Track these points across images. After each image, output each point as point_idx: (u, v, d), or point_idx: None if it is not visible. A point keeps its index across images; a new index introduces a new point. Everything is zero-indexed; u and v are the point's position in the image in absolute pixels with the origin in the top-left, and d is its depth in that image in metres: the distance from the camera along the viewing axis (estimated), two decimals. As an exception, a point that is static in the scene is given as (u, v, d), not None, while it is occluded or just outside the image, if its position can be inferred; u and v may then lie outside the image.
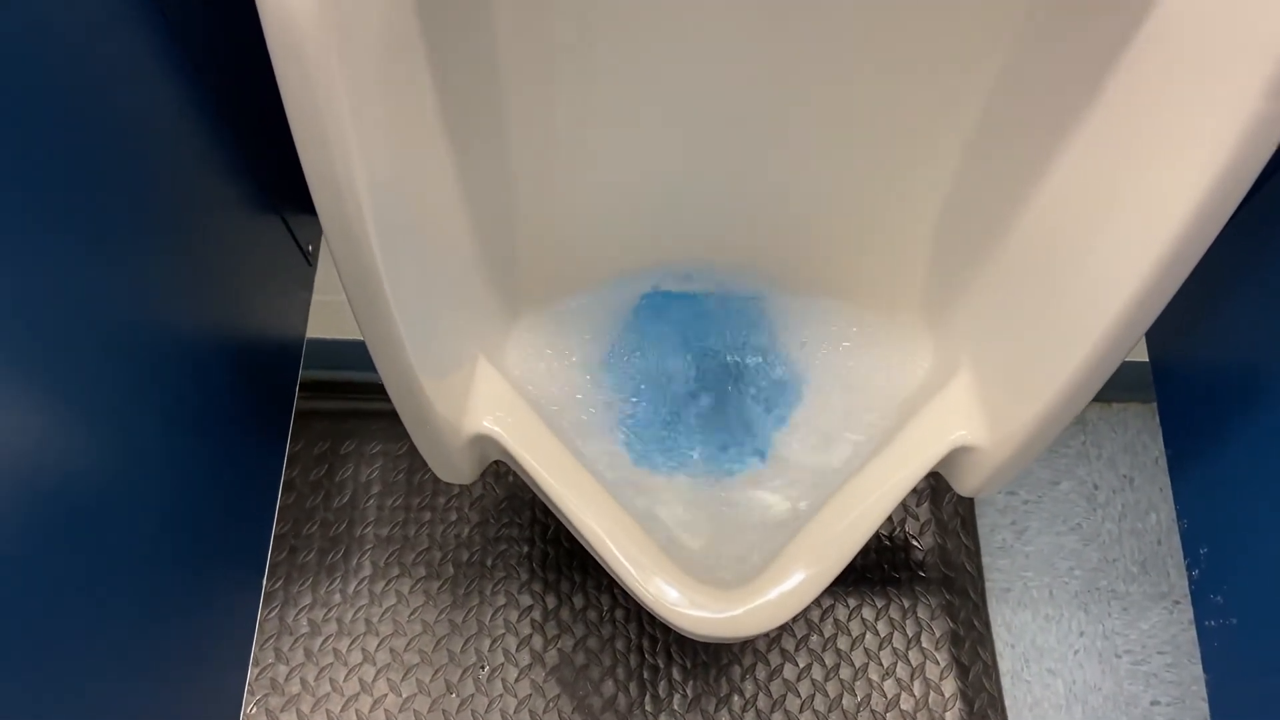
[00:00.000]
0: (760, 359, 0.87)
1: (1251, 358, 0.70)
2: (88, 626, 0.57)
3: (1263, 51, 0.44)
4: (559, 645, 1.06)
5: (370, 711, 1.03)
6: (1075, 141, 0.61)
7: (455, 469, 0.75)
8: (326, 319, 0.98)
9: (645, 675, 1.04)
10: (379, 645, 1.06)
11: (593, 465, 0.74)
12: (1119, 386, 1.07)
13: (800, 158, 0.75)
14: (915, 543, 1.11)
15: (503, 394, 0.74)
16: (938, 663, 1.05)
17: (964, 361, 0.75)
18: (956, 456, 0.73)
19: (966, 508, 1.13)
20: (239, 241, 0.75)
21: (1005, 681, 1.05)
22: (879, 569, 1.09)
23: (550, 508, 0.73)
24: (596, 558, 0.71)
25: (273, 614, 1.07)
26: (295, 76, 0.44)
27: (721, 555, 0.76)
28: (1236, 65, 0.46)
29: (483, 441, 0.74)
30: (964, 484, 0.75)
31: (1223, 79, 0.47)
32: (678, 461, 0.82)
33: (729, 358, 0.87)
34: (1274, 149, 0.46)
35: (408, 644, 1.06)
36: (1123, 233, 0.56)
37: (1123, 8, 0.54)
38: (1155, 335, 0.84)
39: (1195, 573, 0.72)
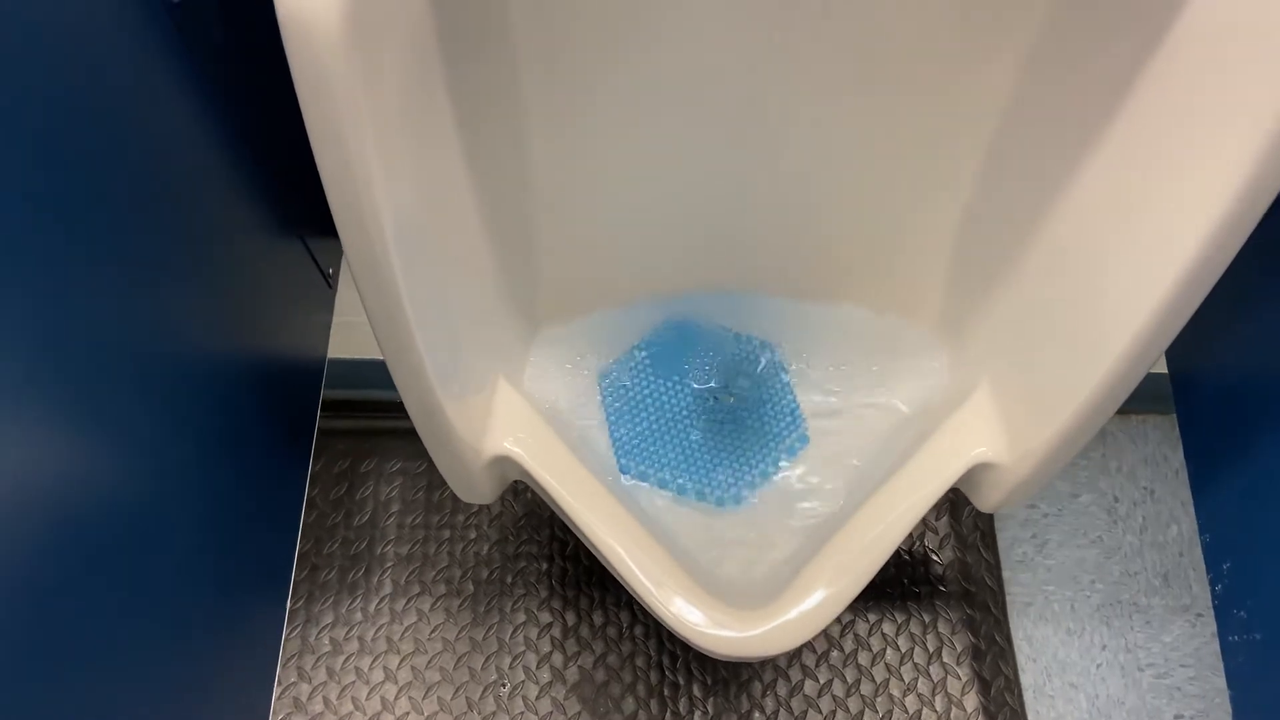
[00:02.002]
0: (776, 376, 0.87)
1: (1273, 370, 0.70)
2: (116, 648, 0.57)
3: (1277, 76, 0.44)
4: (579, 662, 1.06)
5: (392, 730, 1.03)
6: (1095, 157, 0.61)
7: (476, 489, 0.75)
8: (347, 339, 0.99)
9: (666, 692, 1.04)
10: (400, 663, 1.06)
11: (609, 484, 0.74)
12: (1139, 398, 1.06)
13: (819, 175, 0.76)
14: (935, 557, 1.10)
15: (523, 415, 0.74)
16: (959, 678, 1.05)
17: (983, 377, 0.75)
18: (976, 473, 0.73)
19: (986, 521, 1.12)
20: (260, 266, 0.76)
21: (1027, 696, 1.05)
22: (899, 583, 1.09)
23: (571, 528, 0.74)
24: (617, 577, 0.72)
25: (295, 633, 1.07)
26: (320, 108, 0.45)
27: (739, 573, 0.76)
28: (1253, 87, 0.46)
29: (503, 462, 0.74)
30: (984, 500, 0.75)
31: (1239, 100, 0.47)
32: (638, 471, 0.82)
33: (745, 377, 0.87)
34: (1292, 170, 0.46)
35: (429, 662, 1.06)
36: (1143, 250, 0.56)
37: (1140, 27, 0.54)
38: (1175, 348, 0.84)
39: (1218, 588, 0.72)
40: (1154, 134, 0.55)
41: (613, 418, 0.84)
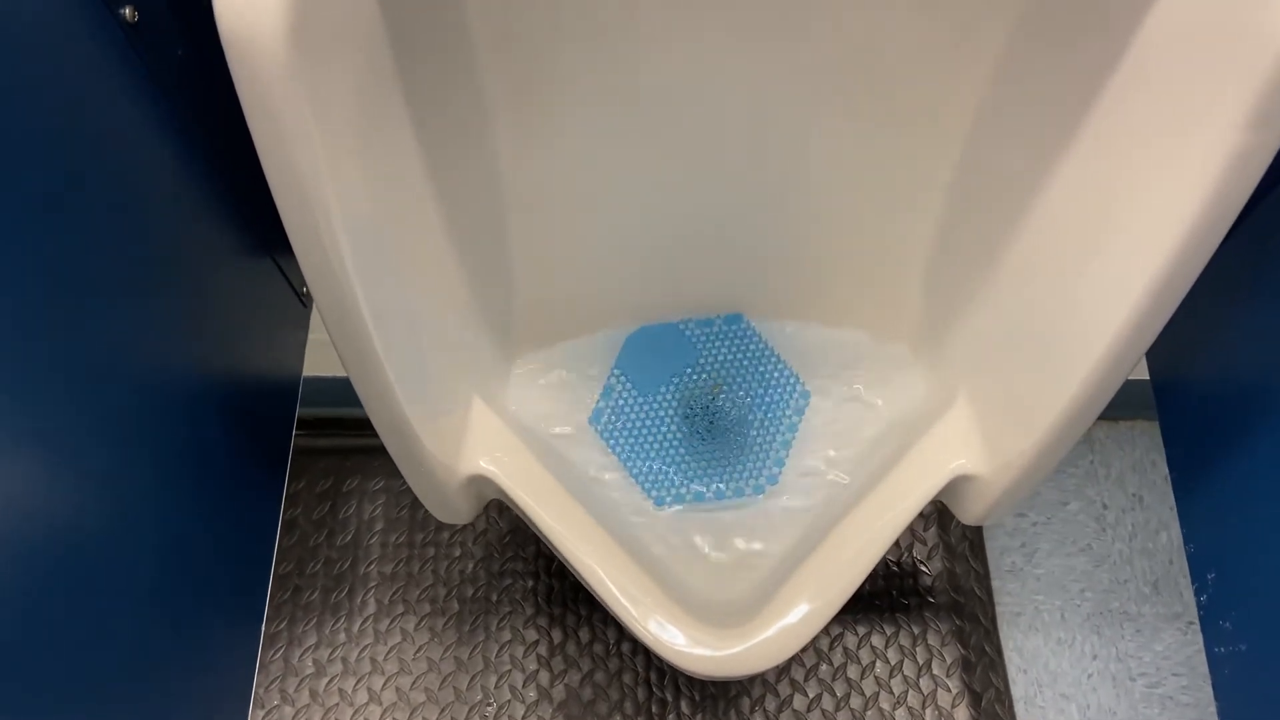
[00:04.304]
0: (755, 344, 0.86)
1: (1254, 378, 0.69)
2: (81, 678, 0.56)
3: (1243, 83, 0.43)
4: (565, 680, 1.05)
5: (377, 752, 1.02)
6: (1065, 166, 0.60)
7: (452, 509, 0.74)
8: (327, 356, 0.98)
9: (653, 709, 1.03)
10: (385, 684, 1.05)
11: (588, 502, 0.73)
12: (1125, 404, 1.06)
13: (796, 190, 0.75)
14: (923, 568, 1.10)
15: (499, 434, 0.73)
16: (949, 690, 1.04)
17: (961, 389, 0.74)
18: (957, 485, 0.73)
19: (975, 531, 1.12)
20: (231, 287, 0.75)
21: (1018, 707, 1.04)
22: (887, 595, 1.08)
23: (549, 547, 0.73)
24: (596, 597, 0.71)
25: (277, 655, 1.06)
26: (267, 127, 0.44)
27: (721, 589, 0.76)
28: (1218, 96, 0.45)
29: (479, 481, 0.73)
30: (966, 513, 0.75)
31: (1205, 110, 0.46)
32: (675, 495, 0.81)
33: (723, 392, 0.86)
34: (1260, 176, 0.46)
35: (413, 682, 1.05)
36: (1115, 257, 0.55)
37: (1106, 33, 0.53)
38: (1155, 355, 0.83)
39: (1203, 598, 0.71)
40: (1123, 141, 0.55)
41: (623, 455, 0.83)
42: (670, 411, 0.85)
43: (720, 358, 0.87)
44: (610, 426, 0.84)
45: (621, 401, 0.85)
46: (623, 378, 0.86)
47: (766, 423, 0.84)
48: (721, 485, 0.82)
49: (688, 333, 0.88)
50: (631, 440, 0.84)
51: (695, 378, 0.87)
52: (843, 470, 0.81)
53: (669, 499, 0.81)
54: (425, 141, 0.61)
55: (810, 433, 0.84)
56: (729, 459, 0.83)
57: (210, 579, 0.72)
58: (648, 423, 0.85)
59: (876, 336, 0.85)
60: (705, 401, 0.86)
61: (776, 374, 0.86)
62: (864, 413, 0.84)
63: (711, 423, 0.85)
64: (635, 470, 0.82)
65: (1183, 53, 0.48)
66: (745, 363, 0.87)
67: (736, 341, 0.88)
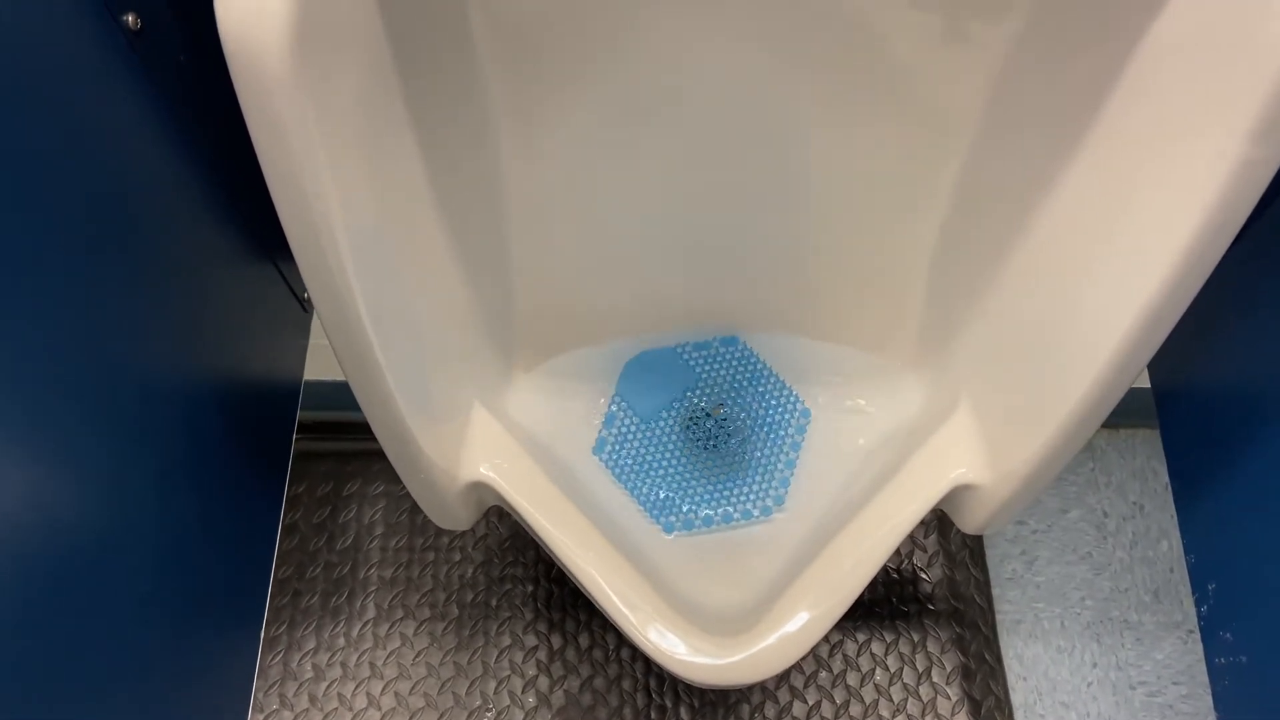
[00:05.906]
0: (756, 413, 0.86)
1: (1256, 387, 0.69)
2: (80, 680, 0.56)
3: (1248, 95, 0.43)
4: (565, 686, 1.05)
5: (375, 757, 1.02)
6: (1070, 173, 0.60)
7: (452, 515, 0.74)
8: (328, 361, 0.97)
9: (653, 715, 1.03)
10: (384, 689, 1.05)
11: (591, 513, 0.73)
12: (1126, 412, 1.06)
13: (796, 210, 0.75)
14: (924, 575, 1.09)
15: (499, 441, 0.73)
16: (949, 698, 1.04)
17: (963, 398, 0.74)
18: (958, 494, 0.72)
19: (975, 539, 1.11)
20: (232, 292, 0.75)
21: (1018, 716, 1.03)
22: (887, 602, 1.08)
23: (549, 554, 0.73)
24: (596, 604, 0.71)
25: (276, 659, 1.06)
26: (270, 137, 0.44)
27: (722, 602, 0.75)
28: (1223, 107, 0.45)
29: (479, 488, 0.73)
30: (967, 521, 0.74)
31: (1210, 120, 0.46)
32: (684, 522, 0.81)
33: (724, 408, 0.86)
34: (1265, 187, 0.46)
35: (412, 687, 1.05)
36: (1119, 268, 0.55)
37: (1112, 40, 0.53)
38: (1157, 363, 0.83)
39: (1204, 609, 0.71)
40: (1128, 150, 0.55)
41: (630, 485, 0.83)
42: (673, 437, 0.85)
43: (719, 379, 0.87)
44: (615, 456, 0.84)
45: (624, 429, 0.85)
46: (624, 404, 0.86)
47: (769, 443, 0.84)
48: (730, 509, 0.82)
49: (685, 356, 0.88)
50: (637, 469, 0.83)
51: (696, 401, 0.86)
52: (847, 485, 0.80)
53: (679, 525, 0.81)
54: (427, 149, 0.61)
55: (814, 450, 0.83)
56: (735, 481, 0.83)
57: (210, 582, 0.72)
58: (652, 449, 0.84)
59: (877, 348, 0.85)
60: (707, 425, 0.85)
61: (776, 393, 0.86)
62: (866, 427, 0.84)
63: (715, 446, 0.85)
64: (643, 500, 0.82)
65: (1188, 63, 0.48)
66: (744, 383, 0.86)
67: (734, 363, 0.87)
